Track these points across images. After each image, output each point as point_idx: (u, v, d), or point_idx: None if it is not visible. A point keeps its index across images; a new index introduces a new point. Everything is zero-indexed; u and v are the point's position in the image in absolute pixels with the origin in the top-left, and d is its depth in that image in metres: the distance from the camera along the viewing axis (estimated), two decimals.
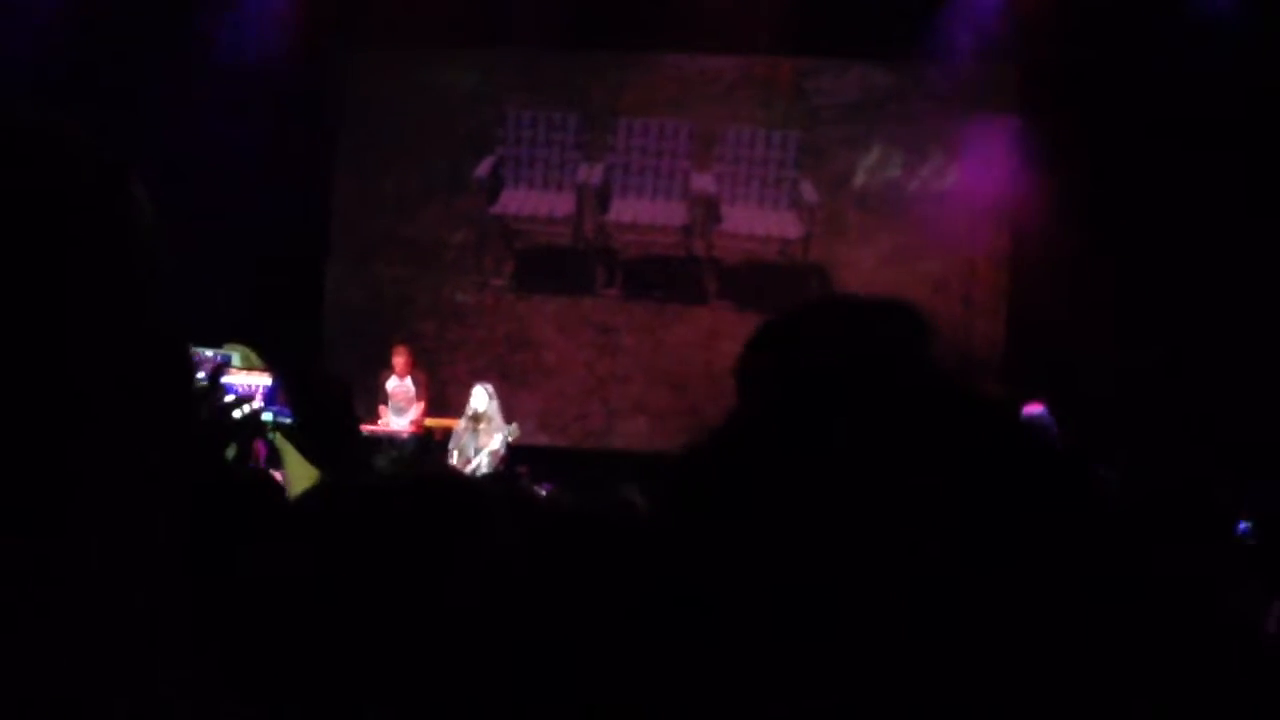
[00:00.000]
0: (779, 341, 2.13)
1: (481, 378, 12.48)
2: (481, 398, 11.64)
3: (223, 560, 1.25)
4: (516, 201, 13.96)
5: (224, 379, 2.56)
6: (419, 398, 12.60)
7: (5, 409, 0.95)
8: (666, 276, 13.82)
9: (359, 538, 1.27)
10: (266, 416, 2.60)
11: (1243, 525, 6.31)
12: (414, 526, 1.28)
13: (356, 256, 13.98)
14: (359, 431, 2.43)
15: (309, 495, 1.42)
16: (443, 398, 12.98)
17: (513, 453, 11.59)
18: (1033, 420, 11.30)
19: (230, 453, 2.67)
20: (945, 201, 13.55)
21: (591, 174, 13.90)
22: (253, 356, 2.66)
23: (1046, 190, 13.07)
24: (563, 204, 13.95)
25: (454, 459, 11.49)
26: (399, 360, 12.63)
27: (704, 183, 13.82)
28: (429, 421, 12.62)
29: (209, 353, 2.71)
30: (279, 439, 3.02)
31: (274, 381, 2.64)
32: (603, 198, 13.91)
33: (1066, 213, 13.03)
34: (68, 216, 1.01)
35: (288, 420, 2.58)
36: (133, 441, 1.01)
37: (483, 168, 13.92)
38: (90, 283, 1.00)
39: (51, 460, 0.96)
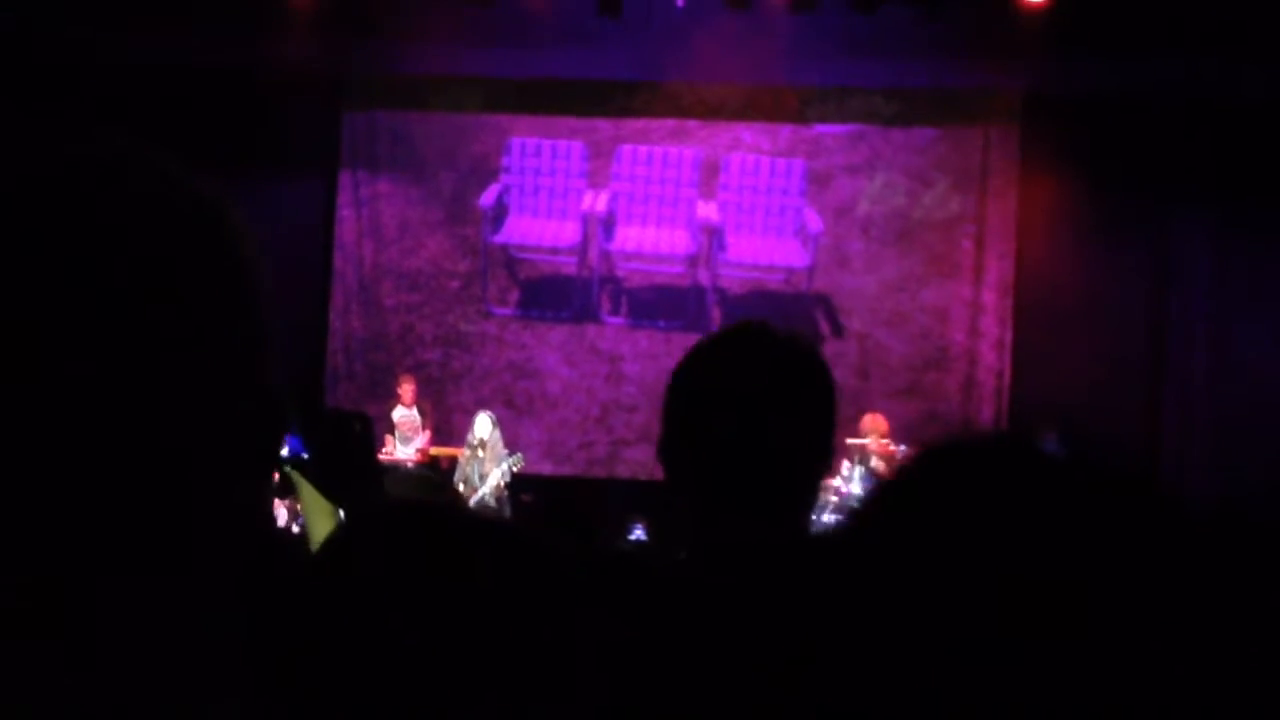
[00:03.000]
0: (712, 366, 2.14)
1: (486, 406, 12.49)
2: (484, 425, 11.66)
3: (268, 611, 1.23)
4: (521, 230, 13.97)
5: None
6: (424, 426, 12.60)
7: (100, 457, 0.93)
8: (671, 305, 13.82)
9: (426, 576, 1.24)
10: (283, 452, 2.56)
11: None
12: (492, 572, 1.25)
13: (360, 286, 13.99)
14: (379, 467, 2.40)
15: (352, 535, 1.37)
16: (448, 426, 12.99)
17: (517, 481, 11.59)
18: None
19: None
20: (949, 229, 13.55)
21: (596, 202, 13.91)
22: None
23: (1051, 216, 13.08)
24: (567, 232, 13.95)
25: (460, 488, 11.50)
26: (405, 390, 12.65)
27: (708, 211, 13.82)
28: (434, 450, 12.62)
29: None
30: (294, 475, 3.00)
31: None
32: (607, 226, 13.91)
33: (1072, 238, 13.04)
34: (193, 261, 0.99)
35: (301, 455, 2.53)
36: (225, 500, 1.00)
37: (487, 196, 13.93)
38: (208, 330, 0.98)
39: (143, 511, 0.95)
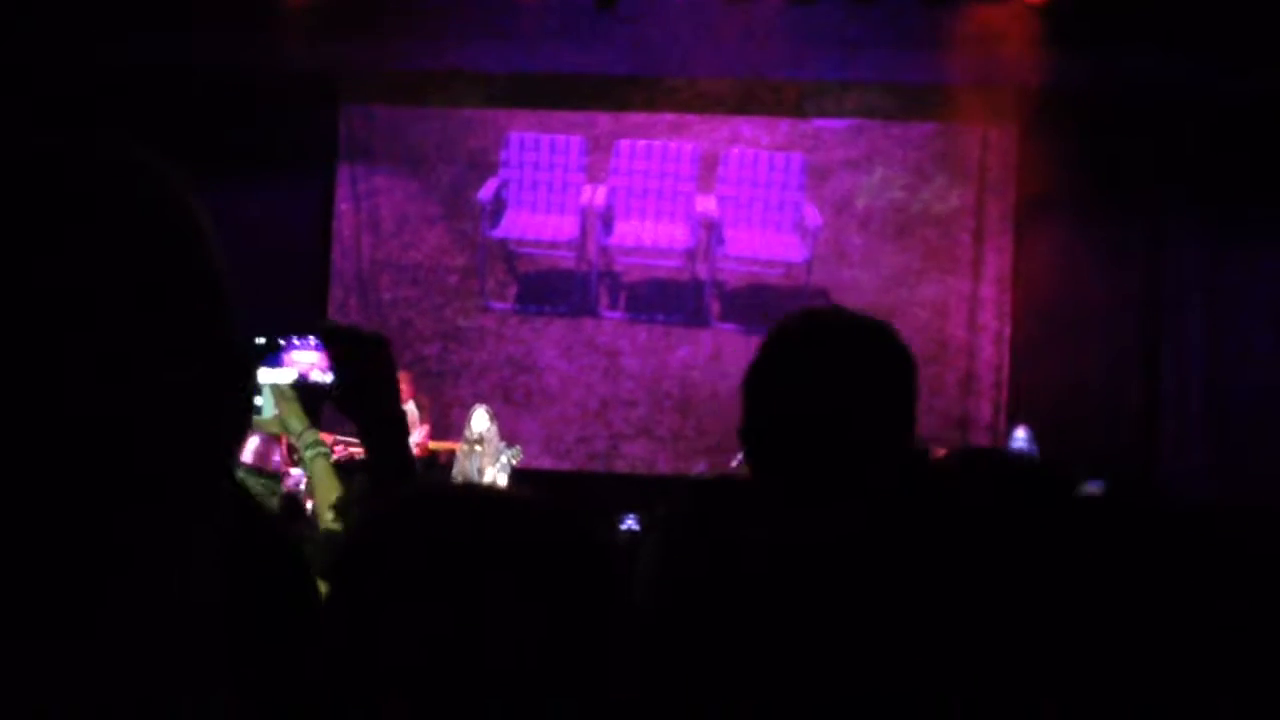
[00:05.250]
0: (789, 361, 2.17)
1: (484, 401, 12.47)
2: (481, 420, 11.64)
3: (264, 616, 1.22)
4: (519, 224, 13.96)
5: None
6: (422, 421, 12.59)
7: (68, 428, 0.94)
8: (670, 299, 13.81)
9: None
10: (323, 379, 2.51)
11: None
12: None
13: (358, 280, 13.98)
14: (397, 387, 2.37)
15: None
16: (446, 421, 12.97)
17: (515, 475, 11.58)
18: (1019, 443, 11.35)
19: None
20: (948, 223, 13.54)
21: (594, 196, 13.90)
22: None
23: (1049, 210, 13.08)
24: (566, 227, 13.94)
25: (458, 481, 11.48)
26: (402, 386, 12.60)
27: (707, 205, 13.81)
28: (433, 444, 12.61)
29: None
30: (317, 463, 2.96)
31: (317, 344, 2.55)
32: (606, 220, 13.90)
33: (1070, 232, 13.03)
34: (142, 229, 1.00)
35: (329, 380, 2.47)
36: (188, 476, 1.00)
37: (485, 190, 13.91)
38: (163, 294, 0.99)
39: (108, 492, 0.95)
